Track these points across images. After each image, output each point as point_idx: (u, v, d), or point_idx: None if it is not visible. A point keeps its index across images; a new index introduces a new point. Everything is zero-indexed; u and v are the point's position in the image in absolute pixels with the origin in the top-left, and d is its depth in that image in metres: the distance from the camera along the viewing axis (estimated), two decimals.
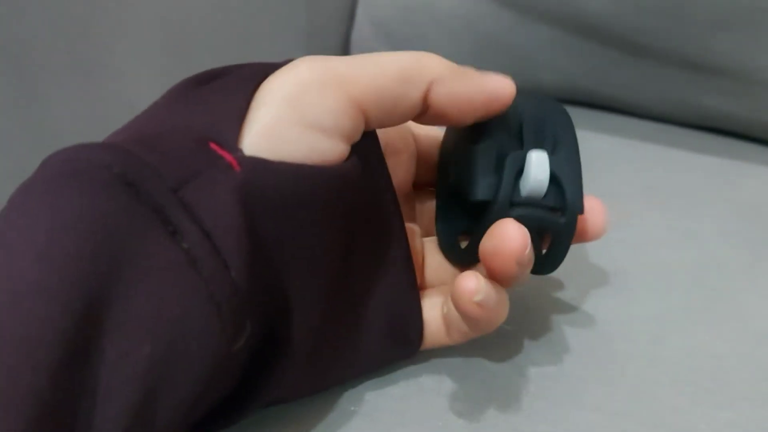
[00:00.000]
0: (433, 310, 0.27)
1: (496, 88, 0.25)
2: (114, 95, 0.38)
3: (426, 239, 0.30)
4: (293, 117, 0.22)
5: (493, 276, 0.25)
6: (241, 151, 0.21)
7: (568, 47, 0.48)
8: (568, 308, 0.32)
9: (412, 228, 0.29)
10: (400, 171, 0.28)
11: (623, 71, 0.47)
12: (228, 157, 0.21)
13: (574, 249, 0.35)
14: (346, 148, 0.23)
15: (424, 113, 0.25)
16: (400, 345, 0.27)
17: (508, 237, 0.24)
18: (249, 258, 0.20)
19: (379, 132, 0.26)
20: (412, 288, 0.27)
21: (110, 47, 0.37)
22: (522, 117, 0.27)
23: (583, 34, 0.47)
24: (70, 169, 0.19)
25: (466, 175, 0.26)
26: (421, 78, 0.24)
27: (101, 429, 0.18)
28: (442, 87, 0.24)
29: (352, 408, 0.26)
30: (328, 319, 0.24)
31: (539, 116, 0.27)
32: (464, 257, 0.28)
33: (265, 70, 0.23)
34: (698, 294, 0.33)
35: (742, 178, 0.43)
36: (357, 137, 0.24)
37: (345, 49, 0.59)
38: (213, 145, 0.21)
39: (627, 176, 0.42)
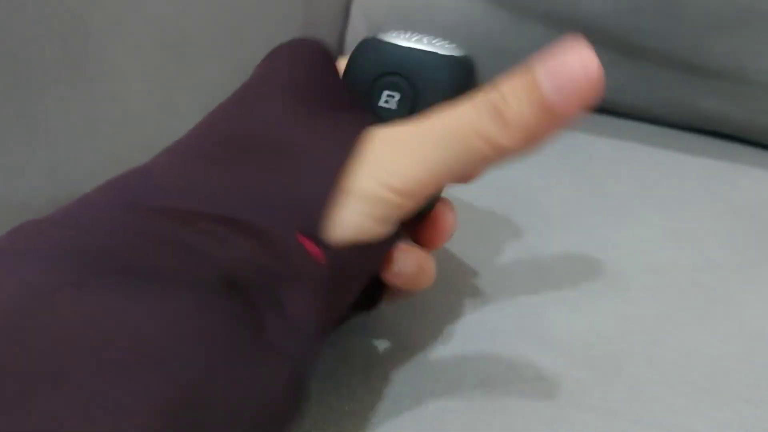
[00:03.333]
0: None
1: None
2: (108, 93, 0.37)
3: None
4: (377, 213, 0.23)
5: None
6: (326, 244, 0.22)
7: None
8: (565, 308, 0.31)
9: None
10: None
11: (620, 73, 0.47)
12: (315, 252, 0.21)
13: (571, 250, 0.35)
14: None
15: None
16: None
17: (450, 226, 0.27)
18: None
19: None
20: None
21: (105, 45, 0.36)
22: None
23: (579, 36, 0.47)
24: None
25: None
26: (493, 152, 0.23)
27: None
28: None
29: (347, 408, 0.26)
30: None
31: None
32: None
33: (355, 132, 0.24)
34: (695, 295, 0.33)
35: (739, 180, 0.43)
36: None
37: (340, 48, 0.59)
38: (301, 238, 0.21)
39: (624, 178, 0.42)
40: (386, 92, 0.25)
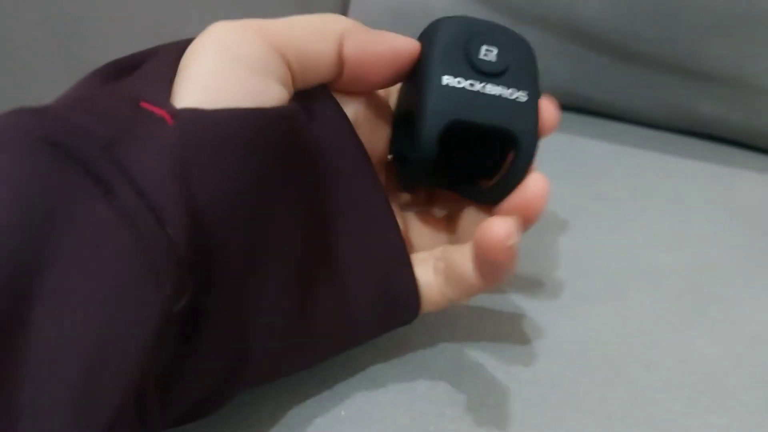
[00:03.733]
0: (424, 273, 0.27)
1: (400, 43, 0.26)
2: None
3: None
4: (223, 62, 0.22)
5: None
6: (172, 105, 0.21)
7: (561, 53, 0.48)
8: (562, 312, 0.31)
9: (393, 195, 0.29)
10: (379, 139, 0.28)
11: (616, 77, 0.47)
12: (160, 111, 0.20)
13: (568, 254, 0.35)
14: (285, 92, 0.23)
15: (341, 74, 0.25)
16: (396, 311, 0.26)
17: (541, 193, 0.26)
18: (186, 213, 0.19)
19: (355, 101, 0.26)
20: (400, 247, 0.26)
21: (102, 45, 0.36)
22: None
23: (577, 40, 0.47)
24: None
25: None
26: (332, 30, 0.24)
27: (45, 408, 0.17)
28: (352, 41, 0.25)
29: (343, 413, 0.26)
30: (305, 285, 0.24)
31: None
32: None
33: (189, 40, 0.23)
34: (692, 298, 0.33)
35: (735, 183, 0.43)
36: (290, 87, 0.23)
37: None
38: (144, 104, 0.21)
39: (621, 181, 0.42)
40: (484, 47, 0.26)
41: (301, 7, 0.53)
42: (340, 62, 0.25)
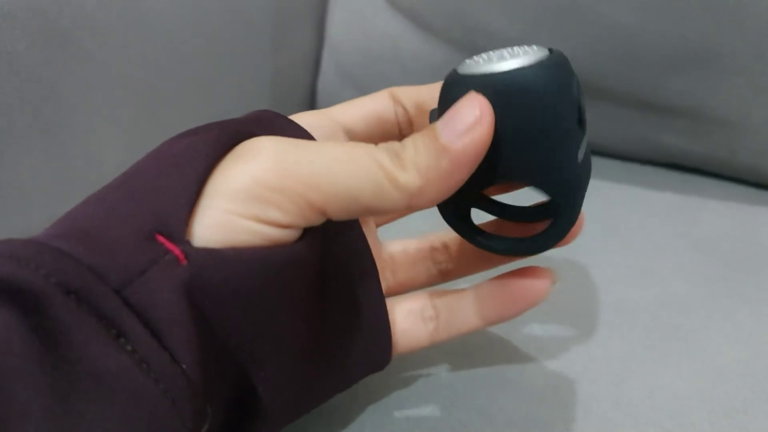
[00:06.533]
0: (410, 314, 0.28)
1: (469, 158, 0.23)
2: (82, 156, 0.38)
3: (392, 242, 0.31)
4: (246, 212, 0.22)
5: None
6: (188, 242, 0.21)
7: None
8: (532, 350, 0.32)
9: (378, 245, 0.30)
10: None
11: None
12: (175, 250, 0.20)
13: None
14: (301, 231, 0.23)
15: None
16: (371, 361, 0.28)
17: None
18: (200, 347, 0.20)
19: None
20: (384, 317, 0.27)
21: (77, 110, 0.37)
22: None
23: None
24: (4, 276, 0.19)
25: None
26: (398, 196, 0.23)
27: None
28: (419, 200, 0.23)
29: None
30: (303, 368, 0.25)
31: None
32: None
33: (225, 139, 0.23)
34: (659, 333, 0.34)
35: (700, 213, 0.44)
36: (314, 221, 0.23)
37: (311, 96, 0.60)
38: (160, 238, 0.21)
39: (587, 216, 0.43)
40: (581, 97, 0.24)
41: (273, 52, 0.54)
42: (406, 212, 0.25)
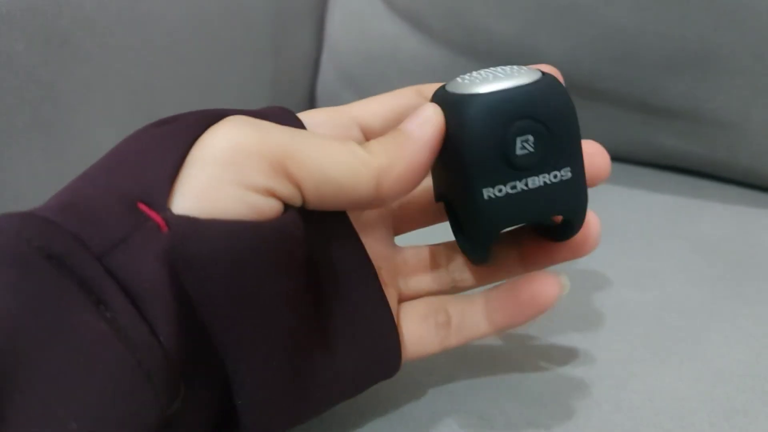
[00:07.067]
0: (423, 320, 0.28)
1: (424, 156, 0.25)
2: (80, 157, 0.38)
3: (407, 248, 0.30)
4: (227, 177, 0.22)
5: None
6: (170, 210, 0.21)
7: None
8: (532, 353, 0.32)
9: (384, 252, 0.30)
10: None
11: (582, 114, 0.48)
12: (156, 217, 0.21)
13: None
14: (282, 206, 0.23)
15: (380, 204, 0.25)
16: (380, 368, 0.28)
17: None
18: (178, 321, 0.20)
19: None
20: (389, 322, 0.27)
21: (75, 110, 0.37)
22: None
23: None
24: None
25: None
26: (368, 173, 0.24)
27: None
28: (387, 178, 0.24)
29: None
30: (295, 364, 0.24)
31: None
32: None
33: (206, 121, 0.23)
34: (660, 335, 0.33)
35: (700, 215, 0.44)
36: (295, 201, 0.24)
37: (311, 97, 0.60)
38: (141, 206, 0.21)
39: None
40: (519, 139, 0.24)
41: (272, 55, 0.54)
42: (378, 200, 0.25)
